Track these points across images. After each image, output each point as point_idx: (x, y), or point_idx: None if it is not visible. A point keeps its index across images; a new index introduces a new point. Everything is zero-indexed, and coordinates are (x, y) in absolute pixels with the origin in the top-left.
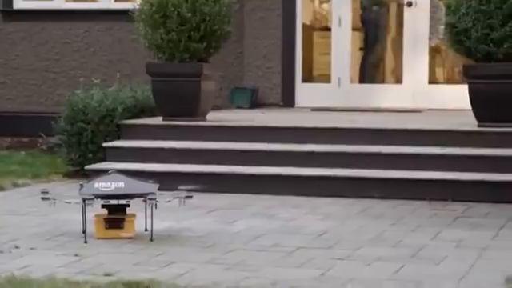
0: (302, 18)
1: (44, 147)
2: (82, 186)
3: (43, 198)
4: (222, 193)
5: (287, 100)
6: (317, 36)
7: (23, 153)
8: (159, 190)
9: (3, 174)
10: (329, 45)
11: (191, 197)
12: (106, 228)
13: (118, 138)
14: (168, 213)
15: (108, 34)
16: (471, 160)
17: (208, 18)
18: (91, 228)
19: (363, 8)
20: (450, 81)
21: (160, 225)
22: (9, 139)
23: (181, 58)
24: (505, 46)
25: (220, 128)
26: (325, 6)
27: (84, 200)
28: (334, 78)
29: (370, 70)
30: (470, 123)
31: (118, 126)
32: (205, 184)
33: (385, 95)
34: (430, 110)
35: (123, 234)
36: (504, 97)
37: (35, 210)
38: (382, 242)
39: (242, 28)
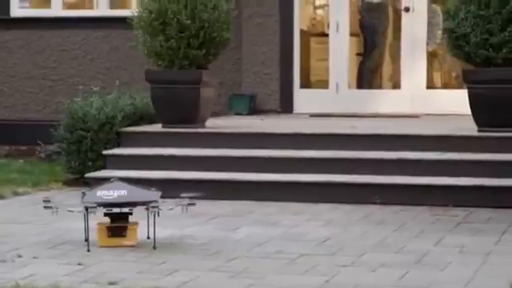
0: (299, 23)
1: (42, 155)
2: (84, 194)
3: (46, 207)
4: (222, 200)
5: (285, 106)
6: (313, 42)
7: (21, 161)
8: (161, 197)
9: (3, 183)
10: (325, 50)
11: (194, 204)
12: (109, 236)
13: (118, 145)
14: (170, 220)
15: (105, 41)
16: (471, 165)
17: (207, 25)
18: (93, 236)
19: (361, 13)
20: (447, 86)
21: (162, 233)
22: (7, 147)
23: (180, 65)
24: (504, 50)
25: (219, 135)
26: (320, 11)
27: (87, 208)
28: (332, 84)
29: (368, 75)
30: (469, 128)
31: (117, 133)
32: (205, 191)
33: (383, 100)
34: (427, 114)
35: (126, 242)
36: (503, 102)
37: (36, 218)
38: (385, 248)
39: (239, 34)
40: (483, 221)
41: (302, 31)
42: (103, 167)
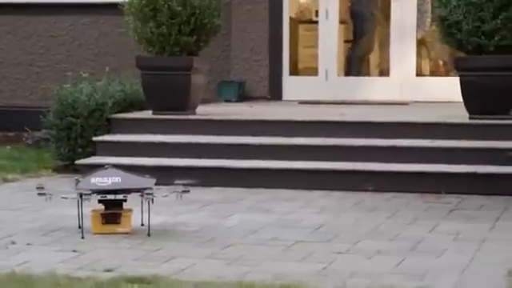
0: (288, 10)
1: (30, 142)
2: (78, 181)
3: (39, 194)
4: (213, 187)
5: (274, 93)
6: (302, 29)
7: (9, 147)
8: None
9: None
10: (313, 37)
11: (188, 191)
12: (103, 223)
13: (108, 132)
14: (162, 207)
15: (94, 27)
16: (463, 152)
17: (198, 12)
18: (87, 223)
19: (351, 0)
20: (436, 73)
21: (155, 220)
22: None
23: (171, 51)
24: (496, 38)
25: (210, 122)
26: None
27: (81, 195)
28: (321, 71)
29: (358, 62)
30: (460, 115)
31: (107, 120)
32: (196, 178)
33: (372, 88)
34: (417, 102)
35: (120, 229)
36: (495, 89)
37: (28, 205)
38: (379, 235)
39: (229, 21)
40: (476, 208)
41: (290, 18)
42: (93, 154)
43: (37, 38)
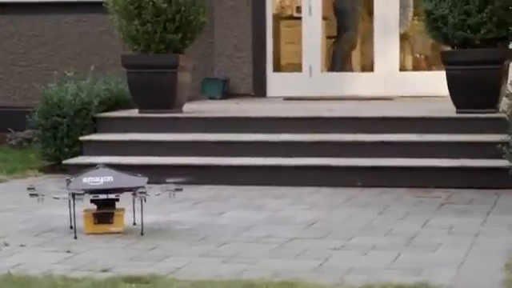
0: (271, 6)
1: (13, 142)
2: (69, 181)
3: (31, 195)
4: (202, 185)
5: (259, 90)
6: (283, 25)
7: None
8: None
9: None
10: (295, 33)
11: (181, 189)
12: (95, 223)
13: (95, 131)
14: (153, 206)
15: (76, 26)
16: (451, 146)
17: (183, 9)
18: (79, 223)
19: None
20: (419, 67)
21: (147, 219)
22: None
23: (156, 49)
24: (482, 32)
25: (197, 119)
26: None
27: (73, 195)
28: (305, 67)
29: (342, 58)
30: (447, 109)
31: (93, 119)
32: (184, 176)
33: (357, 83)
34: (401, 97)
35: (112, 228)
36: (481, 83)
37: (17, 206)
38: (373, 230)
39: (211, 18)
40: (466, 202)
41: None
42: (80, 153)
43: (18, 37)
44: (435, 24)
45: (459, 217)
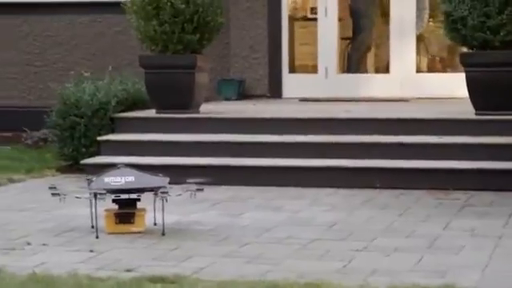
0: (287, 7)
1: (29, 142)
2: (90, 180)
3: (53, 194)
4: (221, 185)
5: (274, 91)
6: (297, 26)
7: (9, 148)
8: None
9: None
10: (309, 34)
11: (202, 190)
12: (116, 223)
13: (112, 131)
14: (173, 206)
15: (91, 26)
16: (470, 148)
17: (201, 9)
18: (100, 223)
19: None
20: (435, 69)
21: (168, 219)
22: None
23: (174, 49)
24: (501, 33)
25: (214, 120)
26: None
27: (95, 195)
28: (320, 69)
29: (357, 59)
30: (466, 111)
31: (111, 119)
32: (202, 177)
33: (372, 85)
34: (417, 98)
35: (134, 228)
36: (501, 85)
37: (37, 205)
38: (394, 232)
39: (227, 18)
40: (486, 204)
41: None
42: (97, 153)
43: (33, 38)
44: (454, 25)
45: (480, 219)
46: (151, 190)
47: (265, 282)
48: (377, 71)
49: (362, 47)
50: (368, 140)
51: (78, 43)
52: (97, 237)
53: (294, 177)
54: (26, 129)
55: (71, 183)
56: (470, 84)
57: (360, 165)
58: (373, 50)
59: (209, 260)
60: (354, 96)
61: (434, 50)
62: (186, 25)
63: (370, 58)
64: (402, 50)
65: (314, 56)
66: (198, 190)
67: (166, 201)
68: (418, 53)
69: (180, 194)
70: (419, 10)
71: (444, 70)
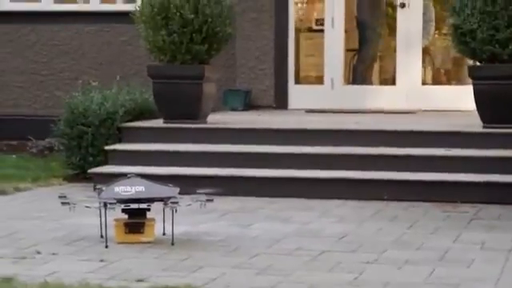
0: (294, 19)
1: (34, 150)
2: (100, 189)
3: (63, 203)
4: (228, 196)
5: (280, 102)
6: (302, 37)
7: (14, 156)
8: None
9: (1, 178)
10: (314, 46)
11: (212, 200)
12: (126, 232)
13: (119, 141)
14: (181, 217)
15: (98, 35)
16: (479, 161)
17: (210, 20)
18: (109, 232)
19: (356, 9)
20: (441, 82)
21: (177, 229)
22: None
23: (182, 59)
24: (510, 47)
25: (222, 130)
26: (307, 6)
27: (106, 204)
28: (327, 80)
29: (363, 71)
30: (473, 124)
31: (118, 128)
32: (210, 187)
33: (378, 96)
34: (424, 111)
35: (143, 238)
36: (509, 98)
37: (44, 214)
38: (404, 244)
39: (233, 29)
40: (494, 217)
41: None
42: (104, 163)
43: (40, 47)
44: (463, 38)
45: (490, 232)
46: (161, 200)
47: None
48: (383, 83)
49: (368, 59)
50: (375, 152)
51: (84, 52)
52: (106, 246)
53: (301, 188)
54: (31, 137)
55: (78, 192)
56: (478, 97)
57: (367, 176)
58: (379, 61)
59: (219, 271)
60: (360, 108)
61: (440, 62)
62: (194, 35)
63: (376, 70)
64: (409, 63)
65: (320, 67)
66: (208, 200)
67: (176, 211)
68: (424, 65)
69: (190, 204)
70: (425, 22)
71: (450, 83)
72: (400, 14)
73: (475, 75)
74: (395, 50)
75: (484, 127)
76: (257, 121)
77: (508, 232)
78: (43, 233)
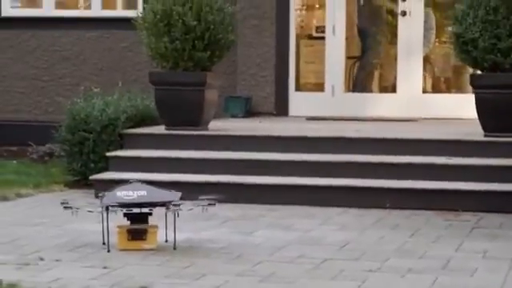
0: (295, 26)
1: (35, 156)
2: (102, 195)
3: (65, 207)
4: (230, 203)
5: (281, 109)
6: (303, 44)
7: (15, 162)
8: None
9: (2, 184)
10: (314, 53)
11: (214, 204)
12: (129, 239)
13: (121, 147)
14: (184, 223)
15: (98, 41)
16: (480, 170)
17: (212, 27)
18: (112, 239)
19: (357, 17)
20: (442, 90)
21: (179, 236)
22: None
23: (185, 66)
24: None
25: (224, 137)
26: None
27: (107, 208)
28: (327, 87)
29: (364, 78)
30: (475, 133)
31: (120, 135)
32: (211, 194)
33: (379, 104)
34: (424, 118)
35: (146, 245)
36: (510, 107)
37: (47, 220)
38: (406, 253)
39: (234, 36)
40: (496, 226)
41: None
42: (105, 169)
43: (41, 53)
44: (465, 47)
45: (492, 241)
46: (163, 204)
47: None
48: (383, 91)
49: (368, 66)
50: (376, 160)
51: (85, 58)
52: (108, 251)
53: (302, 195)
54: (32, 143)
55: (80, 198)
56: (480, 105)
57: (368, 184)
58: (379, 69)
59: (222, 278)
60: (361, 115)
61: (440, 70)
62: (196, 42)
63: (377, 78)
64: (409, 70)
65: (321, 74)
66: (209, 204)
67: (178, 215)
68: (425, 73)
69: (191, 209)
70: (426, 30)
71: (450, 91)
72: (401, 21)
73: (477, 84)
74: (396, 58)
75: (485, 136)
76: (258, 128)
77: (510, 241)
78: (46, 239)
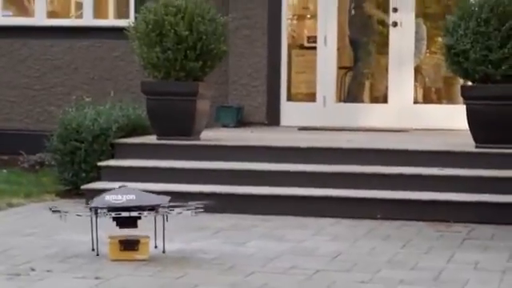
0: (286, 36)
1: (26, 165)
2: (91, 201)
3: (54, 211)
4: (221, 213)
5: (272, 119)
6: (294, 54)
7: (5, 171)
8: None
9: None
10: (306, 63)
11: (203, 210)
12: (121, 250)
13: (112, 156)
14: (175, 234)
15: (90, 50)
16: (471, 181)
17: (204, 37)
18: (104, 249)
19: (348, 27)
20: (433, 101)
21: (170, 246)
22: None
23: (177, 76)
24: (503, 67)
25: (216, 147)
26: (299, 23)
27: (96, 210)
28: (319, 97)
29: (356, 89)
30: (466, 144)
31: (111, 144)
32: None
33: (370, 115)
34: (416, 129)
35: (138, 256)
36: (502, 118)
37: (38, 230)
38: (398, 264)
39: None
40: (487, 237)
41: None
42: (97, 179)
43: (33, 62)
44: (456, 59)
45: (483, 253)
46: (152, 208)
47: None
48: (375, 101)
49: (360, 77)
50: (368, 170)
51: (77, 67)
52: (97, 254)
53: (295, 206)
54: (23, 152)
55: (71, 207)
56: (471, 117)
57: (360, 195)
58: (371, 79)
59: None
60: (352, 126)
61: (432, 81)
62: (188, 52)
63: (368, 88)
64: (401, 81)
65: (312, 84)
66: (197, 208)
67: (167, 220)
68: (416, 84)
69: (180, 213)
70: (417, 40)
71: (441, 102)
72: (392, 32)
73: (468, 95)
74: (387, 69)
75: (477, 147)
76: (250, 138)
77: (501, 252)
78: (37, 249)
